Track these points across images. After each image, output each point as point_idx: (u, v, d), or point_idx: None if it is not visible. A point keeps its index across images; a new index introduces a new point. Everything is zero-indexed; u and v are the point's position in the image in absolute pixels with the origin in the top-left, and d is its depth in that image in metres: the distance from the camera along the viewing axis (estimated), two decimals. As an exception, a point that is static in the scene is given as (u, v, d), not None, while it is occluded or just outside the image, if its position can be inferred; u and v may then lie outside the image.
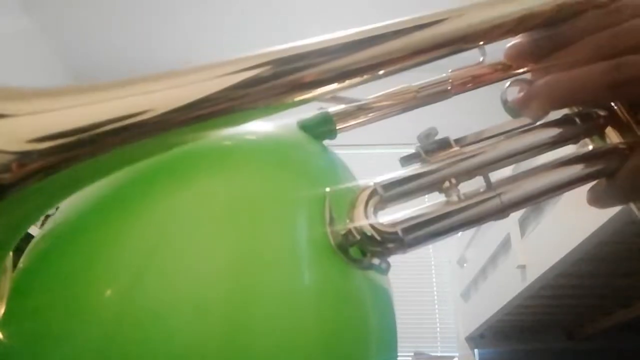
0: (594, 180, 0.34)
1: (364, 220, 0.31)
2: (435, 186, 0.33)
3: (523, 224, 1.54)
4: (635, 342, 2.02)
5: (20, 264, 0.33)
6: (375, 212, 0.31)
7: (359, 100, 0.39)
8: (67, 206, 0.35)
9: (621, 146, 0.34)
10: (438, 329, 2.78)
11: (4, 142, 0.23)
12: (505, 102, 0.37)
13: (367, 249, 0.31)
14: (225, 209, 0.33)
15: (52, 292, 0.31)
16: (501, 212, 0.32)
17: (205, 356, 0.29)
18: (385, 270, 0.32)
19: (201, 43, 3.03)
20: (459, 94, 0.40)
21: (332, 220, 0.32)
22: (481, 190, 0.33)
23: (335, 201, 0.34)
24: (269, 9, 2.84)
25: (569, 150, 0.36)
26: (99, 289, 0.29)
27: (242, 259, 0.32)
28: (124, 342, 0.28)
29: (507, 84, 0.38)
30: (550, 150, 0.35)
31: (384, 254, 0.31)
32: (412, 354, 2.52)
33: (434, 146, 0.33)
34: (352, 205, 0.32)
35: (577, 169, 0.33)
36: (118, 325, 0.29)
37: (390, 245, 0.30)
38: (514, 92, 0.36)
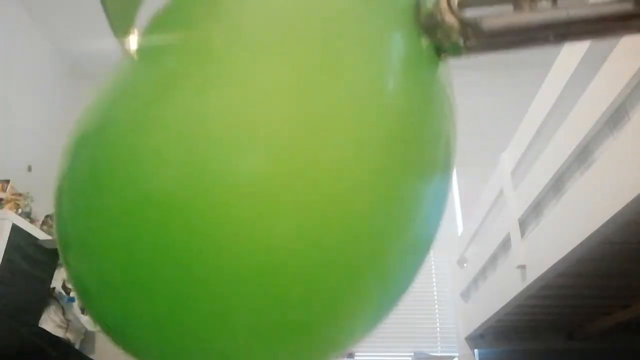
0: None
1: (446, 4, 0.35)
2: None
3: (523, 224, 1.54)
4: (635, 342, 2.02)
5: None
6: (459, 8, 0.36)
7: None
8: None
9: None
10: (438, 329, 2.78)
11: None
12: None
13: (450, 32, 0.35)
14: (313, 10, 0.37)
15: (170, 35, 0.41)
16: (566, 25, 0.36)
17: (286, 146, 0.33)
18: (461, 50, 0.36)
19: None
20: None
21: (419, 5, 0.36)
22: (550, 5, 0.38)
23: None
24: None
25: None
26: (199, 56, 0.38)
27: (325, 58, 0.35)
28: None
29: None
30: None
31: (463, 38, 0.35)
32: (412, 354, 2.52)
33: None
34: None
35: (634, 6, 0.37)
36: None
37: (469, 30, 0.35)
38: None
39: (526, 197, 1.48)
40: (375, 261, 0.36)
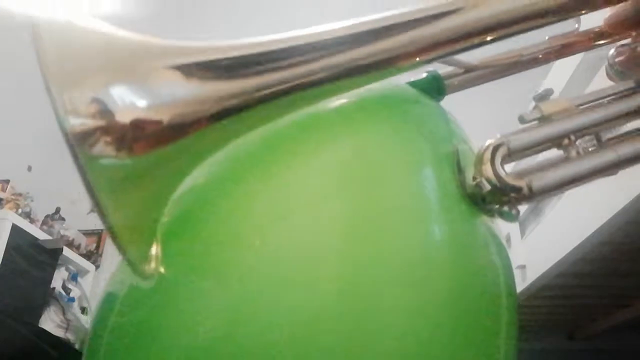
0: None
1: (491, 171, 0.33)
2: (556, 141, 0.35)
3: (523, 224, 1.53)
4: (635, 342, 2.02)
5: (165, 217, 0.35)
6: (502, 164, 0.33)
7: (466, 62, 0.43)
8: (200, 172, 0.38)
9: None
10: (438, 329, 2.78)
11: None
12: (612, 66, 0.39)
13: (496, 198, 0.33)
14: (352, 170, 0.36)
15: (200, 238, 0.35)
16: (616, 166, 0.35)
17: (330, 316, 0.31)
18: (515, 217, 0.35)
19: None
20: (559, 58, 0.44)
21: (461, 171, 0.34)
22: (594, 146, 0.36)
23: (462, 156, 0.36)
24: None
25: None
26: (234, 246, 0.33)
27: (371, 216, 0.34)
28: (252, 298, 0.31)
29: (612, 49, 0.41)
30: None
31: (512, 202, 0.34)
32: (412, 354, 2.51)
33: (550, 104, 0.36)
34: (480, 157, 0.34)
35: None
36: (248, 280, 0.32)
37: (515, 196, 0.33)
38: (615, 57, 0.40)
39: (526, 197, 1.48)
40: None
